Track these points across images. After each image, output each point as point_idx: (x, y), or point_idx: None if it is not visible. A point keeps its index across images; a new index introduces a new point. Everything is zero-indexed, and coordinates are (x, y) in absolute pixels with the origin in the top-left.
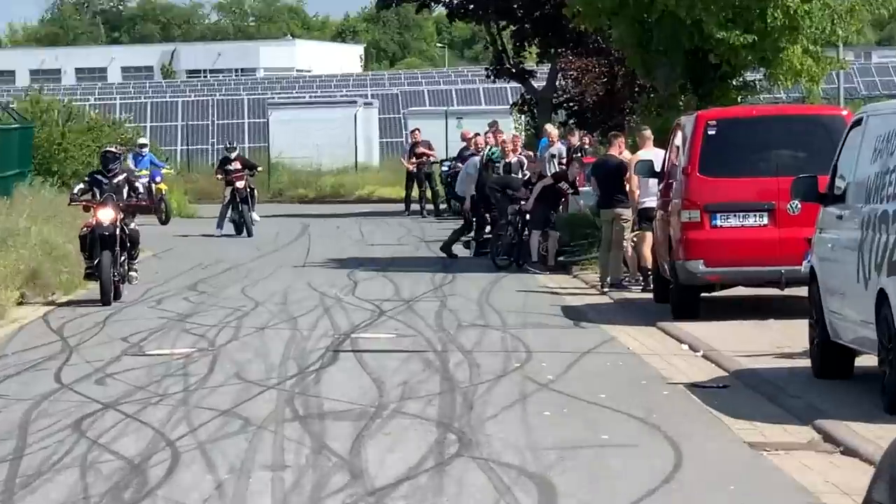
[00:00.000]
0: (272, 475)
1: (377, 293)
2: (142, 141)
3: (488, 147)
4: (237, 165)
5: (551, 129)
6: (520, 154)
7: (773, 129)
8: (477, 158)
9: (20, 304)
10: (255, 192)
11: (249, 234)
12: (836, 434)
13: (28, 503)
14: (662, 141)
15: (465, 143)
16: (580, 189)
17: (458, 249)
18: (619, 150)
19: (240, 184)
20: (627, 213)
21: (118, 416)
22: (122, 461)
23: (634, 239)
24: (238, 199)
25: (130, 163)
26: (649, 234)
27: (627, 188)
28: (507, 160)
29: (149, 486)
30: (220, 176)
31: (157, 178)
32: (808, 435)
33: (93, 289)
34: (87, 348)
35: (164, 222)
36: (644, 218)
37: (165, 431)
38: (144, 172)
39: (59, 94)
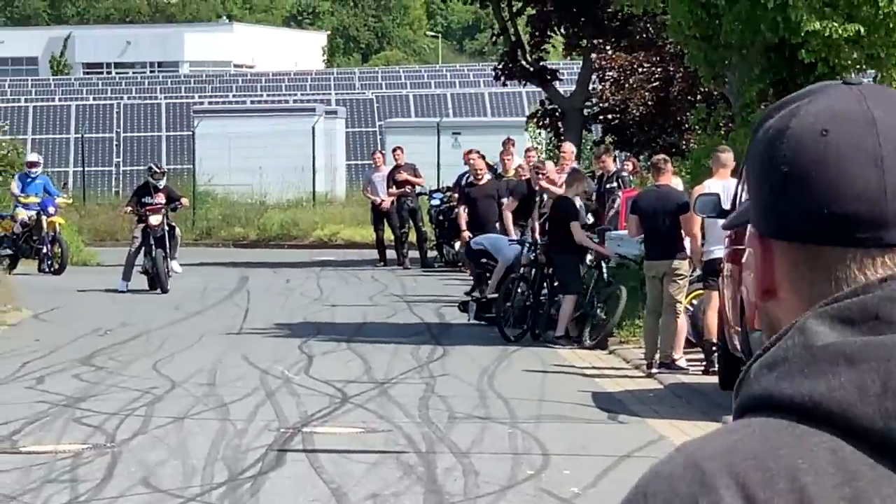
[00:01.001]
0: None
1: (339, 372)
2: (31, 158)
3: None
4: (160, 199)
5: (568, 151)
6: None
7: None
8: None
9: None
10: (178, 232)
11: (163, 290)
12: None
13: None
14: (734, 170)
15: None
16: (613, 233)
17: (451, 313)
18: (669, 180)
19: (155, 219)
20: (685, 267)
21: None
22: None
23: (693, 301)
24: (152, 241)
25: (16, 187)
26: (716, 295)
27: (692, 231)
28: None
29: None
30: (129, 208)
31: (51, 210)
32: None
33: None
34: None
35: (57, 271)
36: (711, 273)
37: None
38: (34, 199)
39: None
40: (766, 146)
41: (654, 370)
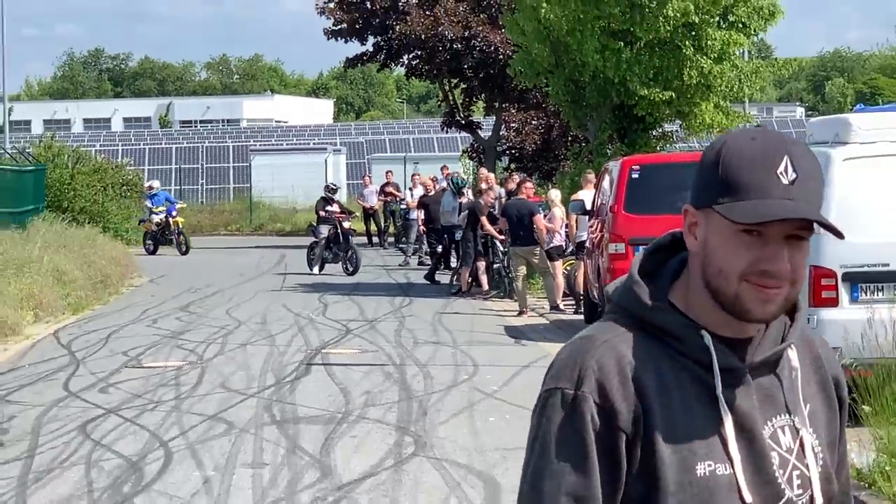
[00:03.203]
0: (252, 472)
1: (344, 314)
2: (148, 183)
3: (454, 177)
4: (335, 207)
5: (485, 173)
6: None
7: (687, 172)
8: (450, 197)
9: (34, 322)
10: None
11: (355, 270)
12: None
13: (39, 496)
14: (594, 184)
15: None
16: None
17: (415, 275)
18: (527, 195)
19: (347, 223)
20: (538, 250)
21: (118, 421)
22: (121, 460)
23: (567, 268)
24: (342, 238)
25: (147, 202)
26: (583, 264)
27: (539, 227)
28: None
29: (145, 482)
30: (323, 213)
31: (174, 213)
32: None
33: (98, 309)
34: (92, 361)
35: (184, 253)
36: (580, 249)
37: (160, 434)
38: (162, 209)
39: (69, 141)
40: None
41: (525, 315)
